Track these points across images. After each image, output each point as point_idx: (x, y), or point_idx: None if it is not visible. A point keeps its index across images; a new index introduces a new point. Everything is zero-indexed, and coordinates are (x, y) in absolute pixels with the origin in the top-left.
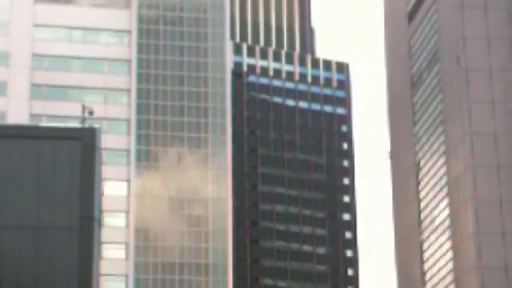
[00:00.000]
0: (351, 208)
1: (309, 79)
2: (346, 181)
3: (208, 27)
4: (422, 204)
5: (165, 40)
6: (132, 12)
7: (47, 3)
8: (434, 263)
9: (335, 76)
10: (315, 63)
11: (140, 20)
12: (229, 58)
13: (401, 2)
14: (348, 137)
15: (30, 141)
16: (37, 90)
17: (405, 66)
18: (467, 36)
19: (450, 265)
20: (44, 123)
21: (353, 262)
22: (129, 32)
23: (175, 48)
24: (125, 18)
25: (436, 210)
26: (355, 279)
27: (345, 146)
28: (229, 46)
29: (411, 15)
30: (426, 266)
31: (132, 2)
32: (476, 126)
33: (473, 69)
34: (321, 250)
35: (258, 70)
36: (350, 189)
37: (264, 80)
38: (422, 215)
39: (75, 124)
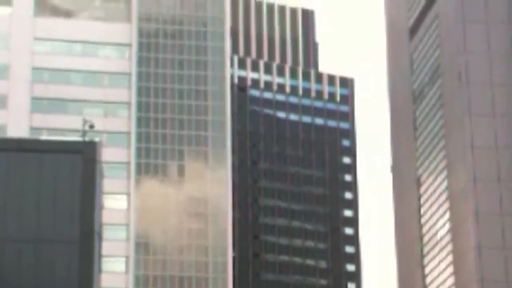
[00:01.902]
0: (353, 222)
1: (313, 94)
2: (348, 195)
3: (208, 40)
4: (424, 218)
5: (165, 54)
6: (132, 26)
7: (47, 17)
8: (436, 277)
9: (338, 90)
10: (319, 77)
11: (140, 33)
12: (229, 72)
13: (403, 17)
14: (351, 151)
15: (31, 154)
16: (37, 104)
17: (407, 80)
18: (468, 50)
19: (451, 279)
20: (44, 136)
21: (355, 276)
22: (129, 45)
23: (175, 61)
24: (125, 32)
25: (438, 224)
26: None
27: (348, 160)
28: (229, 59)
29: (413, 30)
30: (428, 280)
31: (132, 15)
32: (477, 140)
33: (474, 84)
34: (323, 264)
35: (261, 85)
36: (352, 203)
37: (268, 95)
38: (424, 229)
39: (76, 138)
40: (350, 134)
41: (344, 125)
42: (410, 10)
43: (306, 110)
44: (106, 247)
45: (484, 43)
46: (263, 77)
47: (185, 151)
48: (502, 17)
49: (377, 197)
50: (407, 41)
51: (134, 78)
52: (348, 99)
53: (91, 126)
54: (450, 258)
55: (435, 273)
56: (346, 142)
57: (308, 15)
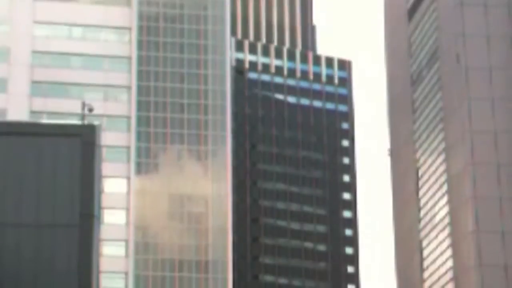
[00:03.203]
0: (351, 205)
1: (311, 76)
2: (347, 178)
3: (209, 24)
4: (422, 202)
5: (165, 37)
6: (133, 9)
7: (47, 0)
8: (434, 261)
9: (336, 73)
10: (317, 60)
11: (141, 17)
12: (229, 55)
13: None
14: (349, 134)
15: (30, 138)
16: (37, 87)
17: (405, 63)
18: (467, 33)
19: (449, 263)
20: (44, 120)
21: (354, 260)
22: (129, 29)
23: (176, 45)
24: (125, 15)
25: (436, 208)
26: (355, 277)
27: (346, 143)
28: (229, 43)
29: (411, 12)
30: (426, 263)
31: None
32: (476, 124)
33: (473, 67)
34: (321, 247)
35: (259, 67)
36: (351, 187)
37: (265, 77)
38: (422, 213)
39: (75, 121)
40: (348, 116)
41: (342, 107)
42: None
43: (304, 92)
44: (106, 231)
45: (482, 25)
46: (261, 60)
47: (185, 135)
48: (501, 0)
49: (375, 179)
50: (405, 23)
51: (134, 62)
52: (346, 82)
53: (90, 110)
54: (448, 241)
55: (433, 256)
56: (344, 125)
57: None
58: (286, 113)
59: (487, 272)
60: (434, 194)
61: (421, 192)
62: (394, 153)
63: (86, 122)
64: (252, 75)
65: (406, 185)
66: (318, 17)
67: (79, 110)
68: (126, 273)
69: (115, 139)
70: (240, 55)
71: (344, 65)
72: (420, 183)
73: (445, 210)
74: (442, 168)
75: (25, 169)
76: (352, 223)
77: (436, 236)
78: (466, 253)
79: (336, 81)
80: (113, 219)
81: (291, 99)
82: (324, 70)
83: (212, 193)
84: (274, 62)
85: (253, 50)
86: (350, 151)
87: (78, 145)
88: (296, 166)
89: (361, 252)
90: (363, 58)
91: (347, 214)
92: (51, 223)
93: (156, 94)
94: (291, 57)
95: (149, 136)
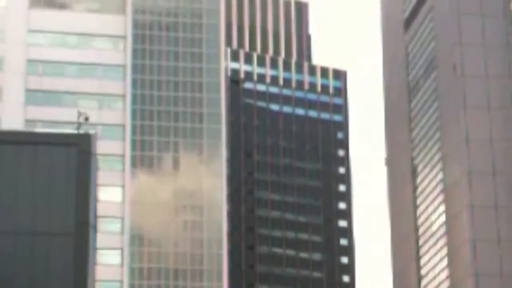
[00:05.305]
0: (347, 214)
1: (306, 86)
2: (342, 187)
3: (203, 32)
4: (419, 211)
5: (160, 46)
6: (127, 18)
7: (42, 9)
8: (430, 270)
9: (331, 83)
10: (312, 70)
11: (135, 25)
12: (224, 64)
13: (398, 9)
14: (344, 144)
15: (26, 147)
16: (32, 96)
17: (402, 73)
18: (463, 43)
19: (446, 272)
20: (39, 129)
21: (349, 269)
22: (124, 37)
23: (170, 53)
24: (120, 24)
25: (433, 217)
26: (351, 286)
27: (341, 153)
28: (223, 51)
29: (408, 22)
30: (423, 272)
31: (127, 7)
32: (472, 132)
33: (469, 76)
34: (317, 257)
35: (255, 77)
36: (346, 196)
37: (261, 87)
38: (419, 222)
39: (71, 130)
40: (343, 126)
41: (337, 117)
42: (405, 2)
43: (299, 102)
44: (101, 240)
45: (479, 35)
46: (256, 70)
47: (180, 143)
48: (497, 9)
49: (371, 189)
50: (402, 33)
51: (128, 70)
52: (341, 92)
53: (86, 119)
54: (445, 250)
55: (430, 265)
56: (339, 135)
57: (301, 7)
58: (281, 122)
59: (483, 280)
60: (431, 203)
61: (418, 201)
62: (391, 162)
63: (81, 131)
64: (248, 85)
65: (403, 194)
66: (313, 27)
67: (73, 119)
68: (121, 282)
69: (109, 148)
70: (235, 65)
71: (339, 75)
72: (417, 192)
73: (442, 218)
74: (439, 177)
75: (21, 177)
76: (348, 232)
77: (433, 245)
78: (463, 262)
79: (331, 91)
80: (108, 228)
81: (286, 109)
82: (319, 80)
83: (208, 202)
84: (269, 72)
85: (248, 60)
86: (345, 161)
87: (74, 154)
88: (291, 175)
89: (357, 261)
90: (358, 68)
91: (342, 223)
92: (47, 231)
93: (151, 103)
94: (287, 67)
95: (144, 144)
